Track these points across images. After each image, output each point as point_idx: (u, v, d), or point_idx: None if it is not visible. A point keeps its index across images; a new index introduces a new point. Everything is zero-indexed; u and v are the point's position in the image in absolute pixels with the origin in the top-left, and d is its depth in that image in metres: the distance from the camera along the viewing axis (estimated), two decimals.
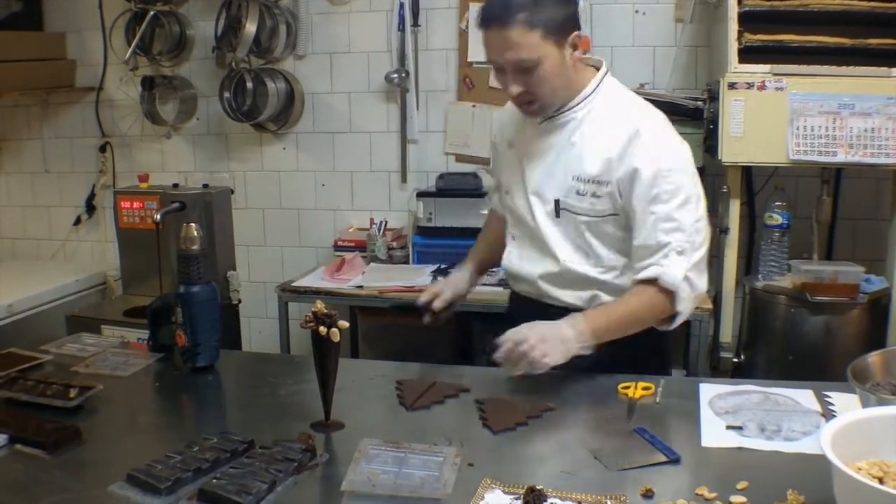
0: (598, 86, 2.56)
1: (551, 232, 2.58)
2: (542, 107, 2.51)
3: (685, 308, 2.48)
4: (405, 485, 1.78)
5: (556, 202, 2.55)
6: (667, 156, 2.46)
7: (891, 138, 3.50)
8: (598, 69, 2.59)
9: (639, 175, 2.42)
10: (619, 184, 2.46)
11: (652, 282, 2.44)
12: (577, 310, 2.50)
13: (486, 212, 4.32)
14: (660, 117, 2.58)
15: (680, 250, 2.43)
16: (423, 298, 2.82)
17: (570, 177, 2.52)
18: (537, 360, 2.28)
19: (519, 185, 2.66)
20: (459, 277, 2.91)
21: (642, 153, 2.43)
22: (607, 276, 2.57)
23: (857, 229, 4.44)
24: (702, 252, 2.49)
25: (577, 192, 2.51)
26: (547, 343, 2.30)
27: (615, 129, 2.48)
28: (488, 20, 2.37)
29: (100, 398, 2.31)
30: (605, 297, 2.57)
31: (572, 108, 2.54)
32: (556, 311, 2.53)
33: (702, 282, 2.51)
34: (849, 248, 4.39)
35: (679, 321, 2.54)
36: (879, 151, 3.51)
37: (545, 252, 2.61)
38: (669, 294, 2.44)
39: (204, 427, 2.16)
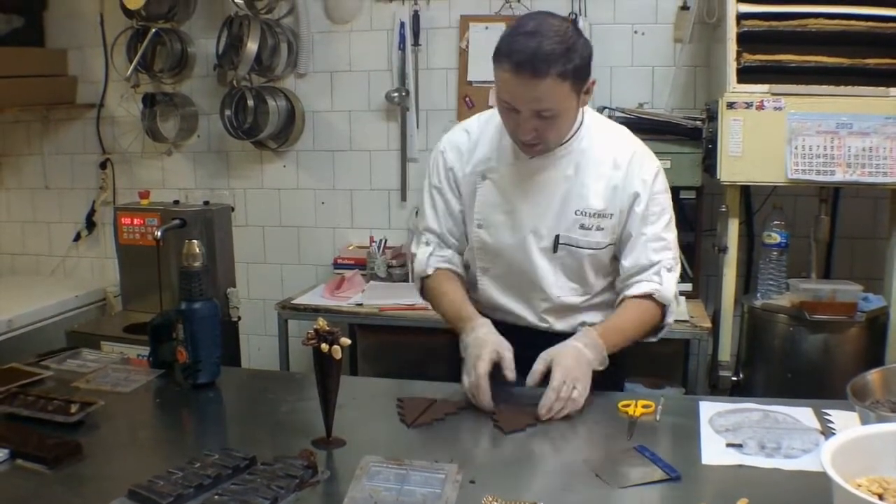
0: (583, 117, 2.56)
1: (545, 268, 2.59)
2: (546, 148, 2.49)
3: (671, 320, 2.61)
4: (407, 502, 1.78)
5: (556, 238, 2.55)
6: (657, 178, 2.57)
7: (888, 157, 3.51)
8: None
9: (638, 198, 2.51)
10: (621, 213, 2.53)
11: (647, 296, 2.54)
12: (565, 335, 2.51)
13: None
14: (638, 139, 2.66)
15: (669, 267, 2.57)
16: (484, 393, 2.34)
17: (573, 211, 2.54)
18: (578, 400, 2.32)
19: (502, 221, 2.60)
20: (493, 334, 2.48)
21: (639, 177, 2.52)
22: (592, 302, 2.65)
23: (854, 248, 4.45)
24: (679, 267, 2.66)
25: (582, 227, 2.54)
26: (579, 379, 2.33)
27: (613, 158, 2.54)
28: (521, 67, 2.25)
29: (101, 414, 2.31)
30: (590, 320, 2.64)
31: (566, 141, 2.53)
32: (543, 335, 2.59)
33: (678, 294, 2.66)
34: (847, 267, 4.40)
35: (663, 333, 2.65)
36: (877, 171, 3.53)
37: (534, 288, 2.62)
38: (661, 307, 2.56)
39: (205, 443, 2.16)
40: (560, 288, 2.61)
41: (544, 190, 2.55)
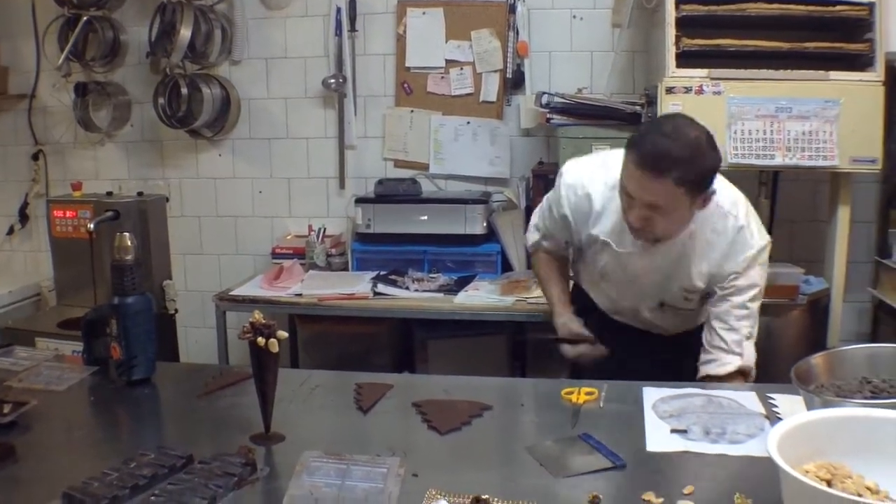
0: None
1: (653, 314, 2.94)
2: (654, 240, 2.69)
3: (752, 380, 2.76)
4: (348, 498, 1.75)
5: (661, 302, 2.88)
6: (756, 259, 2.73)
7: (828, 141, 3.54)
8: None
9: (733, 276, 2.71)
10: (716, 282, 2.76)
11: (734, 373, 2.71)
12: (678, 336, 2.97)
13: (425, 217, 4.32)
14: (745, 203, 2.81)
15: (749, 335, 2.74)
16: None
17: (679, 288, 2.80)
18: None
19: (618, 273, 2.88)
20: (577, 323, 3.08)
21: (741, 259, 2.71)
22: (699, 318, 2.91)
23: (794, 231, 4.48)
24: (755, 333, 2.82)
25: (685, 298, 2.83)
26: None
27: (719, 239, 2.72)
28: (644, 162, 2.45)
29: (34, 414, 2.25)
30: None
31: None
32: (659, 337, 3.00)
33: None
34: (787, 250, 4.41)
35: None
36: (817, 154, 3.55)
37: (643, 322, 3.00)
38: (747, 374, 2.74)
39: (141, 442, 2.11)
40: (665, 322, 2.96)
41: (656, 272, 2.79)
